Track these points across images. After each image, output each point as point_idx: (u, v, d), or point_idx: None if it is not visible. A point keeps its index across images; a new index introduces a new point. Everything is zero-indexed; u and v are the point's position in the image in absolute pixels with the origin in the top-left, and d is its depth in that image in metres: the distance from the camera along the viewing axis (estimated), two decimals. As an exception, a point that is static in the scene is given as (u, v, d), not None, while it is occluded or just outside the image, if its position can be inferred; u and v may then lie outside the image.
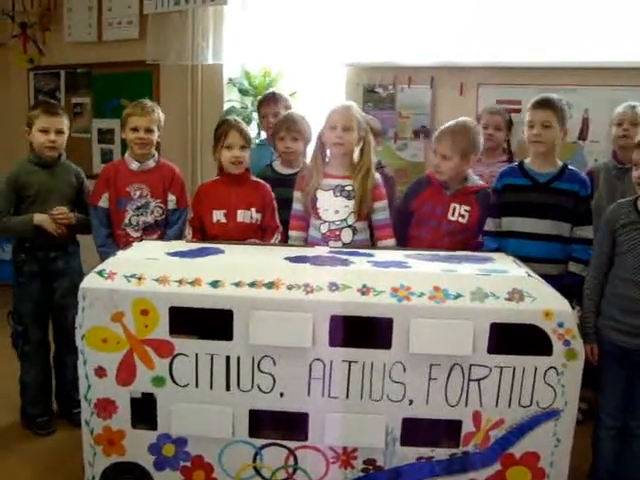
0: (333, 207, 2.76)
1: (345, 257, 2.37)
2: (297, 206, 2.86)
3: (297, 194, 2.86)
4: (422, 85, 4.05)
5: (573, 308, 2.06)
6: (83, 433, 2.21)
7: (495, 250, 2.68)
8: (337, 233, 2.76)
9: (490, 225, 2.79)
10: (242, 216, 2.81)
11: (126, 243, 2.81)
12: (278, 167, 3.22)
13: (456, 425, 2.11)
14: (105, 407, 2.17)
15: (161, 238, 2.92)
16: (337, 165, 2.80)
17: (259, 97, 4.03)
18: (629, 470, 2.39)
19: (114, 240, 2.94)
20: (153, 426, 2.18)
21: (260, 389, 2.11)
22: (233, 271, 2.15)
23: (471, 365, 2.05)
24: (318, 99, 4.21)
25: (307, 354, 2.07)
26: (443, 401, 2.09)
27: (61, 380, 3.04)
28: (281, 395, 2.11)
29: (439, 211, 2.81)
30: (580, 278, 2.52)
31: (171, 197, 2.98)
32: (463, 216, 2.79)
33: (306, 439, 2.14)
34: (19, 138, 2.95)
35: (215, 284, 2.10)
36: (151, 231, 2.94)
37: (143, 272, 2.15)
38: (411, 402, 2.09)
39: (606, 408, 2.40)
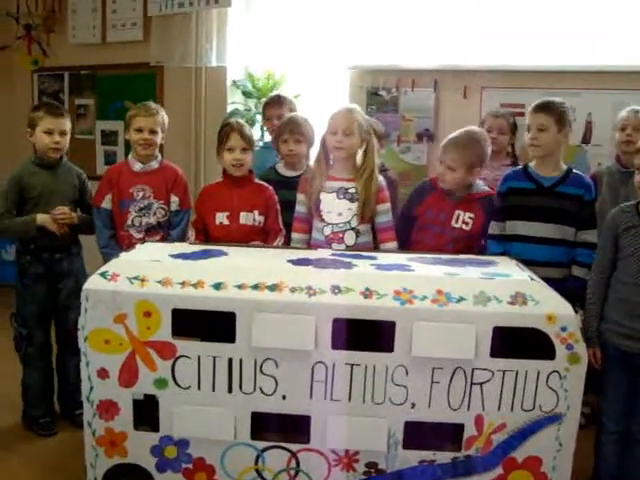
0: (336, 210, 2.76)
1: (348, 260, 2.37)
2: (300, 208, 2.86)
3: (300, 197, 2.86)
4: (426, 88, 4.06)
5: (576, 312, 2.06)
6: (85, 434, 2.21)
7: (499, 254, 2.68)
8: (340, 236, 2.76)
9: (494, 229, 2.79)
10: (245, 218, 2.81)
11: (129, 244, 2.82)
12: (281, 169, 3.22)
13: (458, 429, 2.11)
14: (107, 409, 2.17)
15: (164, 239, 2.92)
16: (340, 168, 2.80)
17: (263, 99, 4.04)
18: (631, 475, 2.38)
19: (117, 241, 2.95)
20: (155, 428, 2.18)
21: (262, 392, 2.11)
22: (236, 273, 2.14)
23: (474, 369, 2.05)
24: (321, 102, 4.20)
25: (310, 357, 2.07)
26: (445, 404, 2.08)
27: (63, 381, 3.04)
28: (283, 398, 2.11)
29: (443, 217, 2.81)
30: (584, 282, 2.51)
31: (174, 199, 2.99)
32: (467, 223, 2.79)
33: (308, 442, 2.14)
34: (23, 139, 2.96)
35: (218, 286, 2.10)
36: (154, 232, 2.95)
37: (146, 274, 2.15)
38: (413, 405, 2.09)
39: (608, 412, 2.40)
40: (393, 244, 2.81)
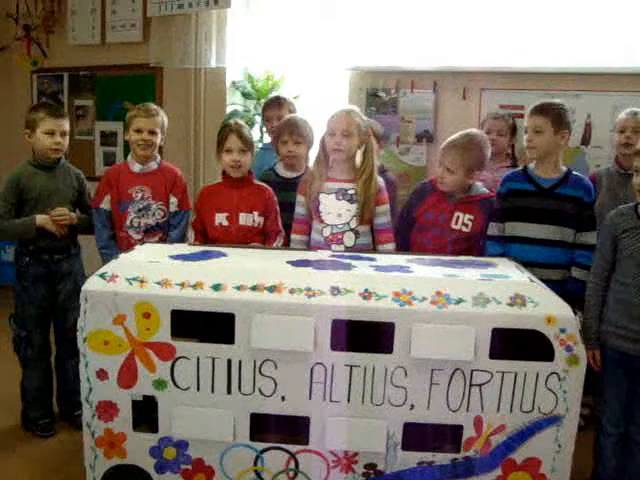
0: (336, 211, 2.77)
1: (347, 261, 2.37)
2: (300, 210, 2.87)
3: (300, 198, 2.86)
4: (425, 90, 4.05)
5: (575, 314, 2.06)
6: (84, 435, 2.21)
7: (499, 255, 2.68)
8: (339, 237, 2.76)
9: (493, 230, 2.79)
10: (244, 219, 2.82)
11: (128, 245, 2.82)
12: (281, 171, 3.21)
13: (457, 430, 2.11)
14: (106, 410, 2.17)
15: (162, 240, 2.93)
16: (340, 169, 2.80)
17: (262, 100, 4.04)
18: (630, 477, 2.39)
19: (116, 242, 2.95)
20: (154, 429, 2.18)
21: (261, 393, 2.11)
22: (235, 275, 2.15)
23: (473, 370, 2.05)
24: (321, 103, 4.20)
25: (309, 358, 2.07)
26: (444, 406, 2.08)
27: (62, 382, 3.04)
28: (282, 399, 2.11)
29: (442, 219, 2.81)
30: (583, 284, 2.50)
31: (173, 199, 2.99)
32: (467, 225, 2.79)
33: (307, 443, 2.14)
34: (22, 140, 2.96)
35: (217, 287, 2.10)
36: (153, 233, 2.94)
37: (145, 275, 2.15)
38: (412, 407, 2.09)
39: (608, 414, 2.40)
40: (391, 245, 2.81)
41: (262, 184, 2.94)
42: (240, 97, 4.49)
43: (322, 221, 2.78)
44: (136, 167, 2.96)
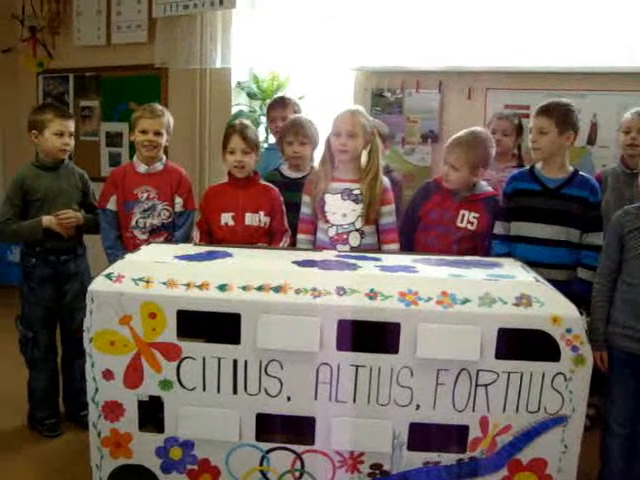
0: (341, 211, 2.76)
1: (353, 261, 2.37)
2: (305, 210, 2.87)
3: (305, 198, 2.86)
4: (430, 90, 4.05)
5: (581, 314, 2.05)
6: (90, 435, 2.22)
7: (505, 254, 2.68)
8: (345, 237, 2.76)
9: (499, 229, 2.79)
10: (250, 219, 2.82)
11: (133, 245, 2.83)
12: (286, 171, 3.21)
13: (463, 430, 2.10)
14: (112, 410, 2.17)
15: (168, 240, 2.93)
16: (345, 169, 2.80)
17: (267, 101, 4.04)
18: (638, 477, 2.38)
19: (121, 242, 2.95)
20: (160, 429, 2.19)
21: (267, 393, 2.11)
22: (241, 275, 2.15)
23: (478, 370, 2.05)
24: (326, 103, 4.21)
25: (314, 358, 2.07)
26: (450, 406, 2.08)
27: (69, 383, 3.05)
28: (288, 399, 2.11)
29: (447, 217, 2.81)
30: (589, 285, 2.49)
31: (178, 200, 2.99)
32: (472, 223, 2.79)
33: (313, 443, 2.14)
34: (28, 141, 2.96)
35: (223, 288, 2.10)
36: (158, 234, 2.95)
37: (151, 275, 2.15)
38: (418, 407, 2.09)
39: (615, 415, 2.39)
40: (395, 246, 2.81)
41: (268, 184, 2.94)
42: (245, 97, 4.50)
43: (327, 221, 2.78)
44: (141, 168, 2.97)
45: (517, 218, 2.76)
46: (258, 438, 2.16)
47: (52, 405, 2.99)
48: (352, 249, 2.72)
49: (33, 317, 2.91)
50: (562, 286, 2.28)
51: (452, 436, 2.14)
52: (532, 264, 2.49)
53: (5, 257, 5.24)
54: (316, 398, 2.10)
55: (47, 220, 2.84)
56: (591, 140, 3.77)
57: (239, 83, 4.47)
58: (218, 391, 2.13)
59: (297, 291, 2.08)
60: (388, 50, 4.06)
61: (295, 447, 2.16)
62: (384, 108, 4.13)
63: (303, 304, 2.05)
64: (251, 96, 4.45)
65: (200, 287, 2.11)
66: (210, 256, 2.38)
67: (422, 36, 3.99)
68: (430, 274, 2.25)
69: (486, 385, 2.06)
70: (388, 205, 2.80)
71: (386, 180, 2.82)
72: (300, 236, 2.87)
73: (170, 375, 2.13)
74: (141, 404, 2.17)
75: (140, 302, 2.10)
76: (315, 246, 2.83)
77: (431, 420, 2.10)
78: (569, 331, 2.01)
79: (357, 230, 2.76)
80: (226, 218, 2.81)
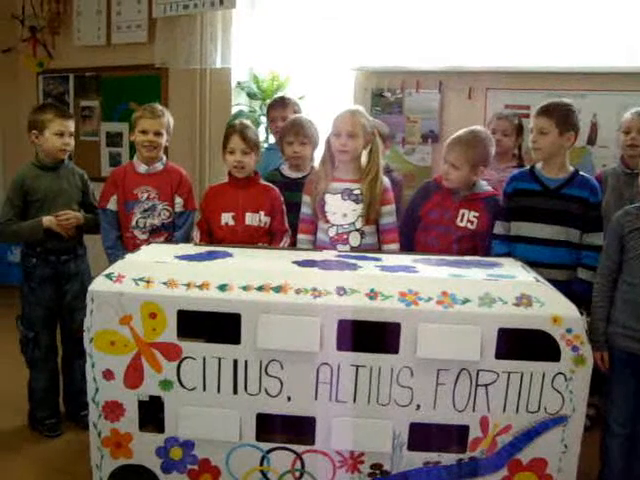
0: (341, 211, 2.76)
1: (353, 261, 2.37)
2: (306, 210, 2.87)
3: (306, 198, 2.86)
4: (430, 89, 4.05)
5: (582, 314, 2.06)
6: (90, 435, 2.22)
7: (505, 254, 2.68)
8: (345, 237, 2.76)
9: (499, 229, 2.79)
10: (251, 219, 2.82)
11: (134, 245, 2.84)
12: (286, 171, 3.21)
13: (463, 430, 2.11)
14: (113, 410, 2.17)
15: (168, 240, 2.93)
16: (345, 169, 2.80)
17: (267, 101, 4.04)
18: (638, 477, 2.38)
19: (122, 242, 2.96)
20: (160, 429, 2.19)
21: (267, 393, 2.11)
22: (241, 275, 2.15)
23: (479, 370, 2.05)
24: (326, 103, 4.21)
25: (315, 358, 2.07)
26: (450, 406, 2.08)
27: (69, 383, 3.05)
28: (288, 399, 2.11)
29: (447, 217, 2.81)
30: (589, 285, 2.49)
31: (178, 200, 2.99)
32: (472, 222, 2.79)
33: (313, 443, 2.14)
34: (28, 141, 2.96)
35: (223, 288, 2.10)
36: (158, 234, 2.95)
37: (151, 275, 2.15)
38: (418, 407, 2.09)
39: (615, 415, 2.38)
40: (395, 246, 2.81)
41: (269, 184, 2.94)
42: (245, 98, 4.50)
43: (328, 221, 2.78)
44: (142, 168, 2.97)
45: (517, 218, 2.76)
46: (258, 438, 2.16)
47: (52, 405, 2.99)
48: (352, 249, 2.73)
49: (33, 317, 2.91)
50: (562, 286, 2.28)
51: (452, 436, 2.14)
52: (532, 264, 2.49)
53: (5, 257, 5.24)
54: (316, 398, 2.10)
55: (47, 220, 2.84)
56: (591, 140, 3.76)
57: (239, 83, 4.47)
58: (218, 391, 2.13)
59: (297, 291, 2.08)
60: (388, 50, 4.06)
61: (295, 447, 2.16)
62: (384, 108, 4.12)
63: (303, 304, 2.06)
64: (251, 96, 4.45)
65: (200, 287, 2.11)
66: (210, 256, 2.38)
67: (422, 36, 3.99)
68: (430, 274, 2.25)
69: (486, 385, 2.06)
70: (388, 205, 2.80)
71: (386, 180, 2.82)
72: (300, 236, 2.87)
73: (170, 375, 2.13)
74: (141, 404, 2.17)
75: (140, 302, 2.10)
76: (315, 246, 2.83)
77: (431, 420, 2.10)
78: (569, 331, 2.01)
79: (357, 230, 2.76)
80: (226, 218, 2.81)
